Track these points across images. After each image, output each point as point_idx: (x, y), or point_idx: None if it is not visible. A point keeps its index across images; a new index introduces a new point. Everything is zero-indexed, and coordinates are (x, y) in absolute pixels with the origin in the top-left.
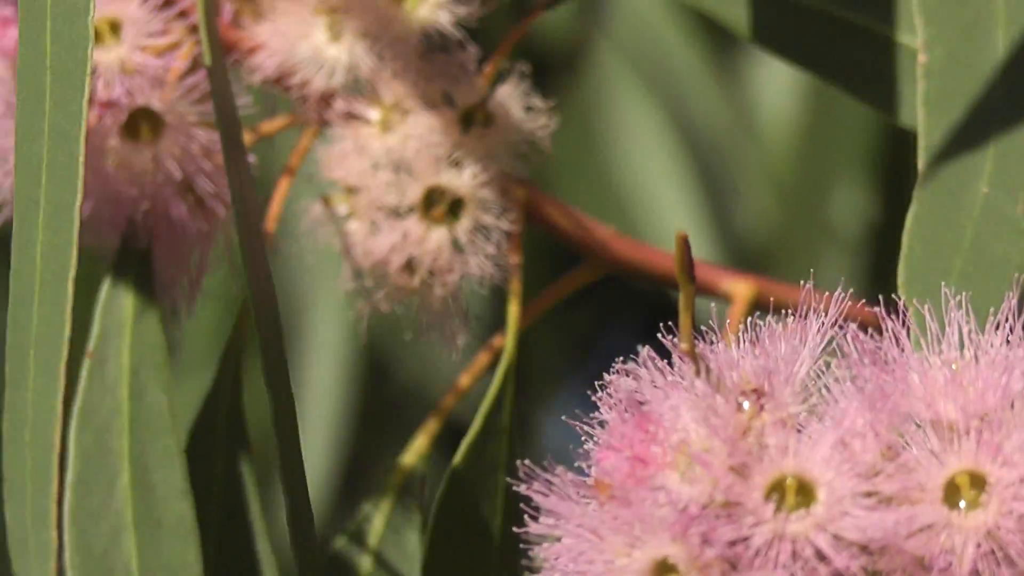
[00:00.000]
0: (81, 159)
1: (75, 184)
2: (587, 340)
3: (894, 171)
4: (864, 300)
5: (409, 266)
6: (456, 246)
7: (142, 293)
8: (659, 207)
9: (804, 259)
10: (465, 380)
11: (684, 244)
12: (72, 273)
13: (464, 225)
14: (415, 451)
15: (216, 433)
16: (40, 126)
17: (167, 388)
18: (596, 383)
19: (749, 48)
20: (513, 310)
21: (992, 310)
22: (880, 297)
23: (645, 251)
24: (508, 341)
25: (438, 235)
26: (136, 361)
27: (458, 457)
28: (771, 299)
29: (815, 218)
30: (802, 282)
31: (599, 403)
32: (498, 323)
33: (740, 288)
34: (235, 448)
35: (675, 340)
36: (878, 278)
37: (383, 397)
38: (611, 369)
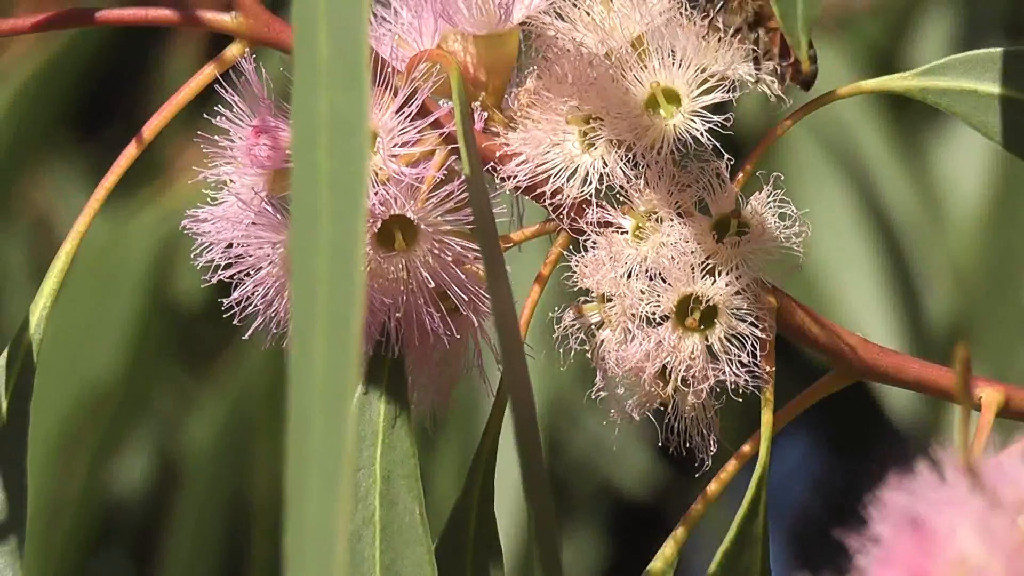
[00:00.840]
0: (362, 275)
1: (355, 300)
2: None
3: None
4: None
5: (663, 374)
6: (710, 354)
7: (393, 401)
8: (847, 291)
9: (995, 348)
10: (713, 486)
11: (965, 362)
12: (353, 389)
13: (718, 333)
14: (663, 558)
15: (467, 542)
16: (315, 241)
17: (418, 497)
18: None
19: (936, 130)
20: (766, 418)
21: None
22: None
23: (894, 358)
24: (762, 449)
25: (692, 343)
26: (387, 469)
27: (713, 566)
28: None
29: (1006, 305)
30: None
31: (868, 518)
32: (745, 431)
33: (988, 395)
34: (486, 558)
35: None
36: None
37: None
38: (876, 484)
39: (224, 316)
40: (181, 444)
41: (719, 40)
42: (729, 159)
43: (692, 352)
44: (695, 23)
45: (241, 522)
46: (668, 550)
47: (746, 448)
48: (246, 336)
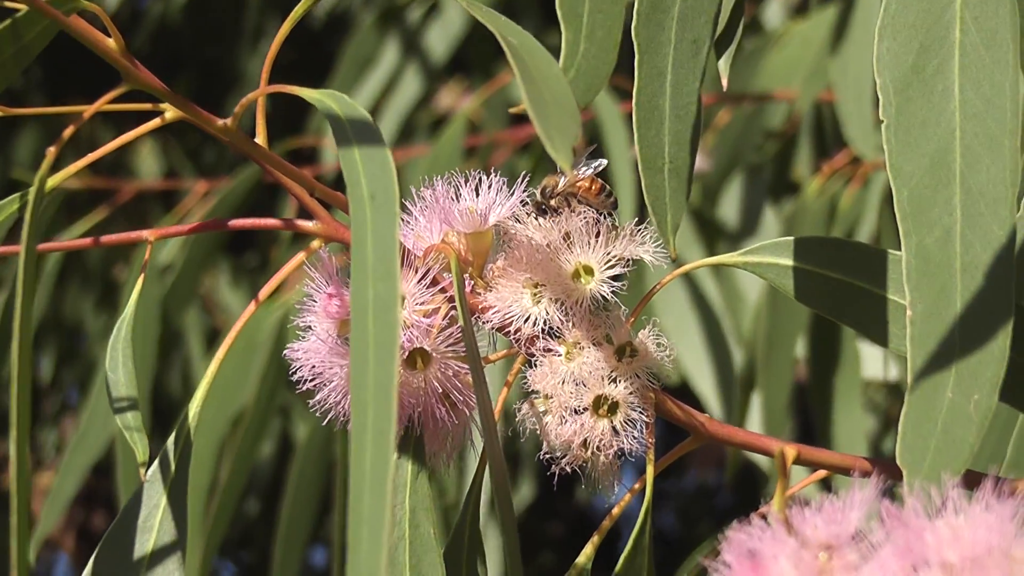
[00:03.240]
0: (395, 399)
1: (391, 415)
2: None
3: None
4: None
5: (584, 444)
6: (614, 431)
7: (416, 462)
8: (693, 376)
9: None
10: (616, 511)
11: (783, 458)
12: (392, 456)
13: (619, 418)
14: (585, 555)
15: (463, 550)
16: (367, 379)
17: (433, 523)
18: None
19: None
20: (649, 470)
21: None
22: None
23: (728, 429)
24: (648, 487)
25: (603, 424)
26: (413, 505)
27: (619, 564)
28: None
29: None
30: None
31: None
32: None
33: (786, 451)
34: (475, 561)
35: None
36: None
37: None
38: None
39: None
40: (292, 439)
41: (619, 235)
42: (624, 309)
43: (603, 431)
44: (604, 225)
45: (326, 483)
46: (588, 550)
47: (636, 486)
48: (324, 423)
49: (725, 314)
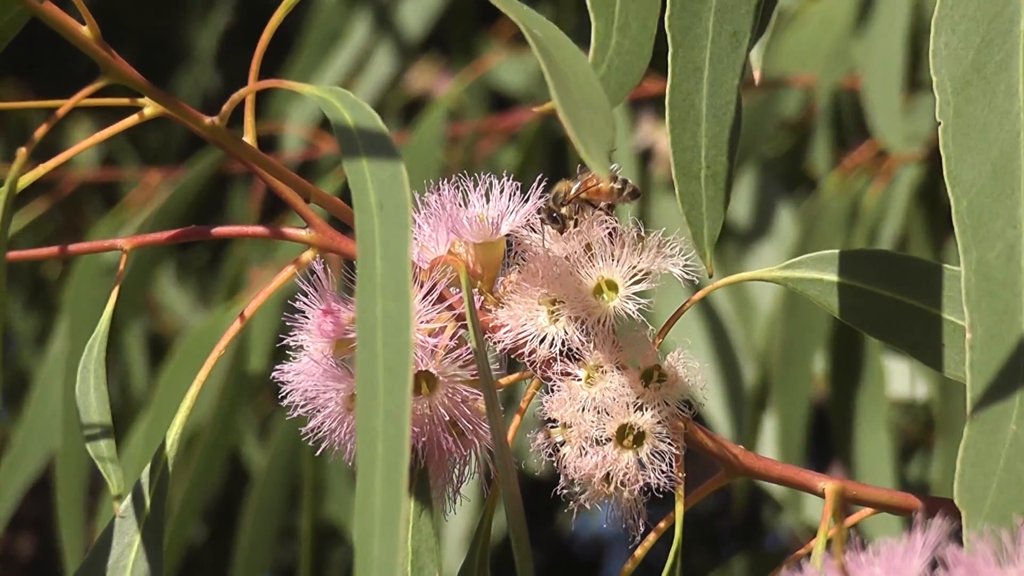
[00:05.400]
0: (408, 430)
1: (403, 449)
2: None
3: None
4: None
5: (607, 478)
6: (640, 464)
7: (420, 499)
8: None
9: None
10: (639, 552)
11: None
12: (403, 515)
13: (646, 450)
14: None
15: None
16: (376, 407)
17: (438, 564)
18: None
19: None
20: (679, 508)
21: None
22: None
23: (764, 462)
24: (677, 527)
25: (627, 457)
26: (416, 545)
27: None
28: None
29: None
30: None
31: None
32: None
33: (830, 487)
34: None
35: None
36: None
37: None
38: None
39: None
40: (248, 463)
41: (645, 246)
42: (652, 329)
43: (628, 464)
44: (629, 235)
45: (286, 508)
46: None
47: (661, 525)
48: (315, 459)
49: (734, 323)
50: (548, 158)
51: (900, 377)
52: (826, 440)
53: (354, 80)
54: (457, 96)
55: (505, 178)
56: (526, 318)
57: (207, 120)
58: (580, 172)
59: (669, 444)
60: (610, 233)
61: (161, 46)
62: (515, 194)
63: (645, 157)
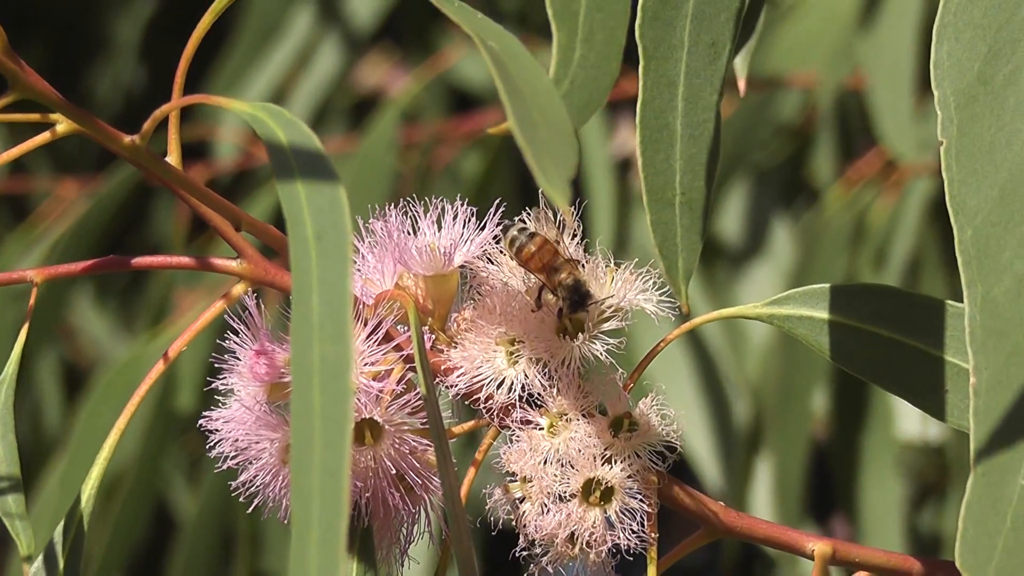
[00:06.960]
0: (347, 487)
1: (342, 508)
2: None
3: None
4: None
5: (571, 538)
6: (608, 523)
7: (363, 560)
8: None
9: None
10: None
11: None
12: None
13: (615, 507)
14: None
15: None
16: (312, 462)
17: None
18: None
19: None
20: (652, 571)
21: None
22: None
23: (747, 520)
24: None
25: (594, 515)
26: None
27: None
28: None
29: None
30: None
31: None
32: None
33: (819, 548)
34: None
35: None
36: None
37: None
38: None
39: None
40: (176, 510)
41: (615, 279)
42: (621, 372)
43: (594, 522)
44: (597, 266)
45: (218, 560)
46: None
47: None
48: (249, 511)
49: (725, 355)
50: (516, 166)
51: (910, 416)
52: (827, 486)
53: (296, 77)
54: (413, 95)
55: (459, 202)
56: (482, 360)
57: (126, 139)
58: (533, 213)
59: (641, 501)
60: (573, 264)
61: (78, 37)
62: (470, 220)
63: (623, 167)
